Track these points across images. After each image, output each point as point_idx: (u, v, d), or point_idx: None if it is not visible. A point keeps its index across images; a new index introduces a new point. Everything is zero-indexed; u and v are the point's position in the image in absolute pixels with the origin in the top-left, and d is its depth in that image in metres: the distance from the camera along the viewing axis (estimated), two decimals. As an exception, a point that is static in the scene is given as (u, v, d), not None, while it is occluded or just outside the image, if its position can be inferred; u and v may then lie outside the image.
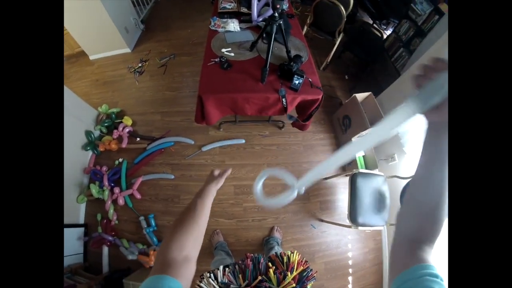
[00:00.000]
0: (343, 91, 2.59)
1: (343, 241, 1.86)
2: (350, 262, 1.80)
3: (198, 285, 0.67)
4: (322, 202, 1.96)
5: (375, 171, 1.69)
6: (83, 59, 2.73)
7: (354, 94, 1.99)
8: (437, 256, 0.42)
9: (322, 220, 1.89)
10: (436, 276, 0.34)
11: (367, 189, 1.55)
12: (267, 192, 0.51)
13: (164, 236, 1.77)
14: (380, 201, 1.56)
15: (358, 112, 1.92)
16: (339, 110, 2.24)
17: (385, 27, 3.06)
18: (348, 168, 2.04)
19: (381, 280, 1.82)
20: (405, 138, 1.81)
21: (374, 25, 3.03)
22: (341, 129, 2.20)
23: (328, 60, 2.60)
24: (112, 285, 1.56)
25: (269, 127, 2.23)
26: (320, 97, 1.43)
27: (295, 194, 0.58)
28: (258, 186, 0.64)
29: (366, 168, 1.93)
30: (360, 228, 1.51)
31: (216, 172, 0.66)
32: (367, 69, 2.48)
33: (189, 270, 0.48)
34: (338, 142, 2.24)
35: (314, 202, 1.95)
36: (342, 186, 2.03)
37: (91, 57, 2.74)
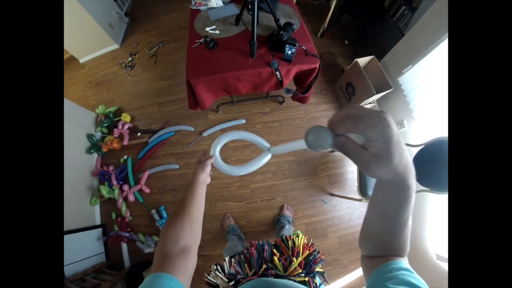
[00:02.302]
0: (344, 57, 2.43)
1: (355, 213, 1.82)
2: (364, 234, 1.78)
3: (206, 278, 0.68)
4: (331, 176, 1.91)
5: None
6: (73, 64, 2.68)
7: (355, 59, 1.85)
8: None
9: (332, 194, 1.86)
10: (408, 269, 0.34)
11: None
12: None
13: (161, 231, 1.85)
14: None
15: (362, 78, 1.80)
16: (341, 78, 2.11)
17: (384, -18, 2.78)
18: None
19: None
20: (413, 103, 1.69)
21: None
22: (345, 97, 2.09)
23: (325, 26, 2.42)
24: (133, 279, 1.63)
25: (268, 103, 2.15)
26: (317, 65, 1.32)
27: (269, 156, 0.55)
28: (217, 152, 0.62)
29: (375, 136, 1.84)
30: (371, 199, 1.46)
31: (203, 158, 0.63)
32: (368, 32, 2.29)
33: (187, 262, 0.46)
34: (344, 111, 2.15)
35: (322, 176, 1.90)
36: (350, 158, 1.96)
37: (81, 60, 2.68)
